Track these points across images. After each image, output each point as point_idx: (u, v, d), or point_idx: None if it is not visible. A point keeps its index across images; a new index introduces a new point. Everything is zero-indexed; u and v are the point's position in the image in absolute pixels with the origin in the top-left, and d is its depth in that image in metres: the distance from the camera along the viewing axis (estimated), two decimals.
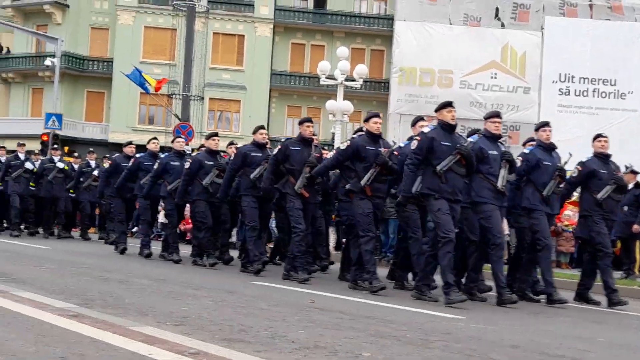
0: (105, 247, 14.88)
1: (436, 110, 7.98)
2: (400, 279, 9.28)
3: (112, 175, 13.42)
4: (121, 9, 37.62)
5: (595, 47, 34.70)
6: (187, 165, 11.14)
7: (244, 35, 38.00)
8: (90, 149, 18.14)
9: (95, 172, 16.50)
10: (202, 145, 12.32)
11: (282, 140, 10.17)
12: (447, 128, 7.78)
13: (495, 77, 35.51)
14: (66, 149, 26.46)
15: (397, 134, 34.47)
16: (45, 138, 27.04)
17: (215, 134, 11.68)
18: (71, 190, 17.13)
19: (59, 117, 28.35)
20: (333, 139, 23.60)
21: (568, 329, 6.55)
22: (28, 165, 16.75)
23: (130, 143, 14.12)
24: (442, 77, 35.45)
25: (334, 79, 23.06)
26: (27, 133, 34.32)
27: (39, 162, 17.29)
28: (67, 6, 37.88)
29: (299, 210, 9.20)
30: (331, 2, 38.75)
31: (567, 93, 35.54)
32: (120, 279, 8.12)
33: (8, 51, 39.60)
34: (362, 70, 23.55)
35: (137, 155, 12.92)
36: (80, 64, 38.01)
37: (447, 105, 7.92)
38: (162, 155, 12.30)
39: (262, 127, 10.71)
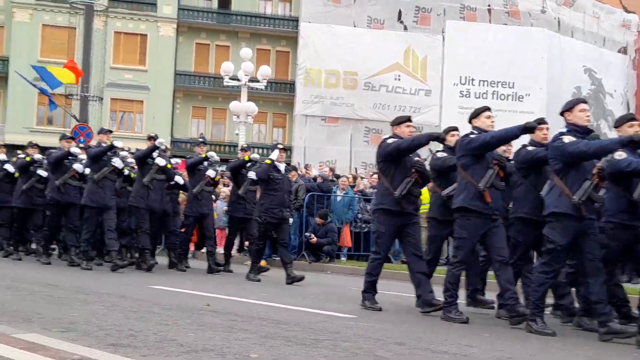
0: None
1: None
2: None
3: None
4: (17, 6, 36.25)
5: (494, 50, 35.76)
6: None
7: (146, 35, 37.30)
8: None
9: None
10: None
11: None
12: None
13: (399, 79, 36.12)
14: None
15: (303, 135, 34.77)
16: None
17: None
18: None
19: None
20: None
21: (455, 326, 6.73)
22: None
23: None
24: (347, 78, 35.80)
25: (238, 79, 22.99)
26: None
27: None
28: None
29: None
30: (236, 3, 38.51)
31: (467, 95, 36.50)
32: (9, 285, 7.88)
33: None
34: (265, 71, 23.57)
35: None
36: None
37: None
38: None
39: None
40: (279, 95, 37.77)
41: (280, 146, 10.86)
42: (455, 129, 8.22)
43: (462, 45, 35.81)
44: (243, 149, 12.56)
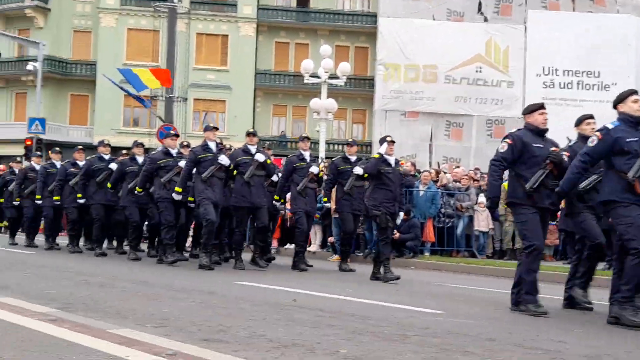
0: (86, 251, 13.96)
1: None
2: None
3: None
4: (103, 12, 37.51)
5: (578, 39, 34.81)
6: None
7: (227, 35, 37.98)
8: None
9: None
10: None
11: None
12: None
13: (481, 71, 35.57)
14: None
15: (383, 130, 34.65)
16: (28, 142, 26.96)
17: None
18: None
19: (42, 121, 28.28)
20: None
21: (546, 321, 6.57)
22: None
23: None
24: (426, 72, 35.49)
25: (318, 77, 23.12)
26: (10, 138, 34.30)
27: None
28: (49, 10, 37.75)
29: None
30: (314, 0, 38.76)
31: (551, 86, 35.67)
32: (102, 282, 8.13)
33: None
34: (345, 68, 23.62)
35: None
36: (63, 67, 37.88)
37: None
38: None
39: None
40: (358, 91, 37.78)
41: (389, 139, 10.29)
42: (591, 116, 7.64)
43: (545, 34, 35.01)
44: (350, 144, 11.89)
